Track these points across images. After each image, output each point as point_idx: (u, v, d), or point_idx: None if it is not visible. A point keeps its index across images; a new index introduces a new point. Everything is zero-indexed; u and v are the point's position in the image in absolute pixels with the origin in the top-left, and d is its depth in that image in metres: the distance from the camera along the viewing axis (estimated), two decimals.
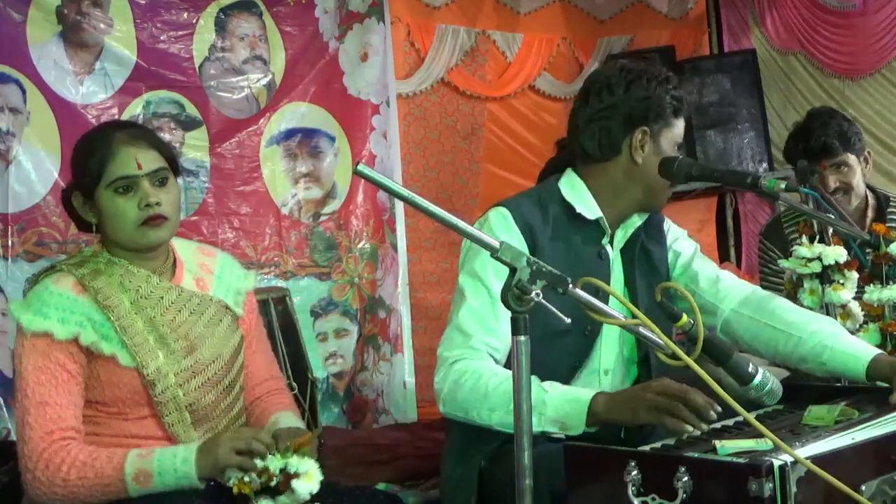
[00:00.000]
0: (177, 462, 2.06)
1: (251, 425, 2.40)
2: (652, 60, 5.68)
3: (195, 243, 2.48)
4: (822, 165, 3.37)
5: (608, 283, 2.35)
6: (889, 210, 3.48)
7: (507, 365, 2.27)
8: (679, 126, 2.42)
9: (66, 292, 2.17)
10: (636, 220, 2.45)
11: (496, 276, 2.26)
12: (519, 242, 2.30)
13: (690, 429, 1.93)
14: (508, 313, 2.24)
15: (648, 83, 2.38)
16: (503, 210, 2.35)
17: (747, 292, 2.48)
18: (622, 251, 2.45)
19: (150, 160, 2.23)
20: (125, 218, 2.20)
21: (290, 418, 2.36)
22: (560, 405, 2.10)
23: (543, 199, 2.41)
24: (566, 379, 2.30)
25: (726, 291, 2.48)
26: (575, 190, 2.41)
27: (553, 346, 2.25)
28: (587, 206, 2.39)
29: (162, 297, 2.25)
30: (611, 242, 2.44)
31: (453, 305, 2.34)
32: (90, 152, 2.22)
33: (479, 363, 2.22)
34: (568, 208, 2.39)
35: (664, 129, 2.39)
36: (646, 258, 2.48)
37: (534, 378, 2.13)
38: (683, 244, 2.57)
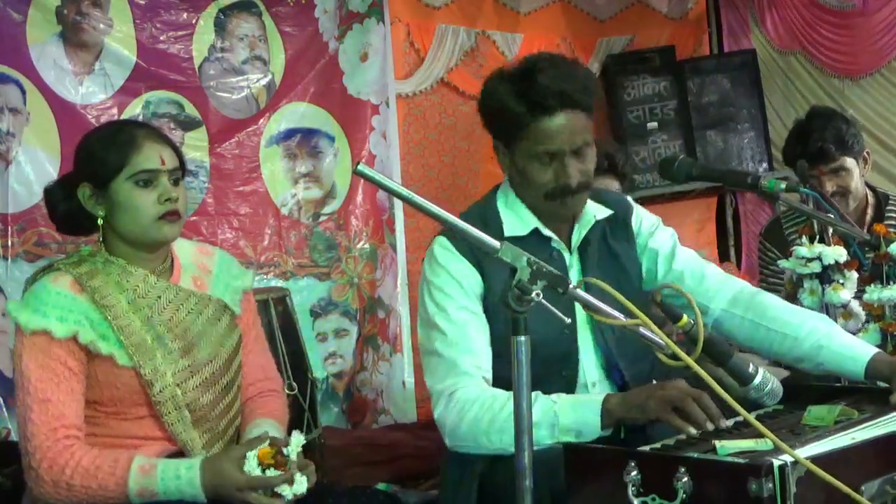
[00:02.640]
0: (181, 484, 2.06)
1: (242, 427, 2.39)
2: (652, 60, 5.72)
3: (194, 242, 2.48)
4: (819, 170, 3.35)
5: None
6: (888, 209, 3.47)
7: (497, 379, 2.26)
8: (529, 136, 2.29)
9: (64, 291, 2.17)
10: (589, 219, 2.39)
11: (453, 300, 2.28)
12: (468, 268, 2.30)
13: (693, 431, 1.93)
14: (478, 329, 2.27)
15: (485, 97, 2.37)
16: (443, 240, 2.36)
17: (735, 290, 2.44)
18: (581, 251, 2.40)
19: (170, 158, 2.25)
20: (143, 210, 2.20)
21: (269, 426, 2.33)
22: (572, 413, 2.09)
23: (486, 218, 2.37)
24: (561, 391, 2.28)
25: (715, 290, 2.43)
26: (508, 204, 2.39)
27: (539, 351, 2.24)
28: (520, 221, 2.35)
29: (159, 297, 2.25)
30: (569, 243, 2.39)
31: (427, 337, 2.32)
32: (111, 143, 2.21)
33: (476, 390, 2.21)
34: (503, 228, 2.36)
35: (511, 144, 2.34)
36: (609, 256, 2.42)
37: (538, 393, 2.13)
38: (660, 239, 2.48)
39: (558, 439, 2.08)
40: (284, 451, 2.07)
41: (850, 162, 3.36)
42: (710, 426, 1.94)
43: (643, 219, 2.52)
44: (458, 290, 2.31)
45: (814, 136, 3.34)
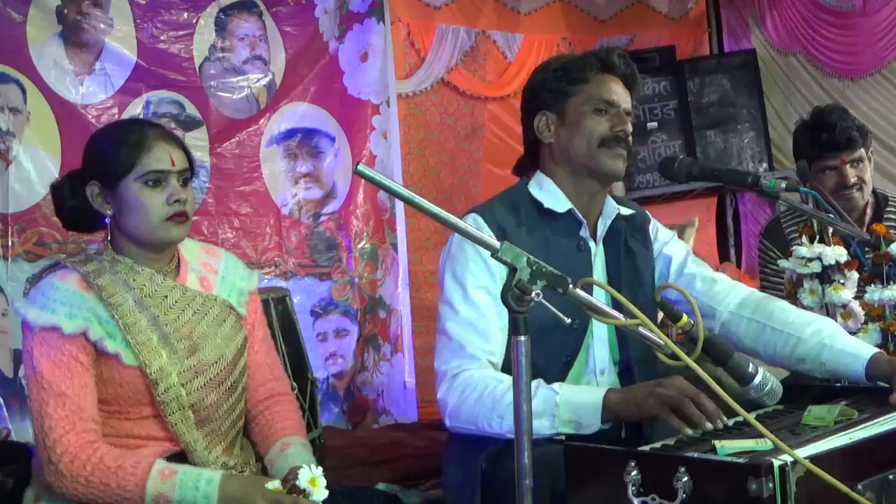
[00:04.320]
0: (198, 496, 2.05)
1: (255, 432, 2.39)
2: (652, 60, 5.72)
3: (200, 243, 2.47)
4: (841, 160, 3.37)
5: (590, 274, 2.37)
6: (888, 209, 3.49)
7: (506, 365, 2.28)
8: (591, 85, 2.40)
9: (72, 288, 2.16)
10: (612, 210, 2.45)
11: (475, 279, 2.30)
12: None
13: (689, 431, 1.93)
14: (494, 311, 2.27)
15: (536, 73, 2.49)
16: (475, 216, 2.37)
17: (745, 294, 2.47)
18: (605, 243, 2.45)
19: (180, 159, 2.24)
20: (152, 211, 2.19)
21: (298, 451, 2.32)
22: (573, 405, 2.10)
23: (515, 201, 2.42)
24: (559, 375, 2.30)
25: (724, 294, 2.46)
26: (543, 187, 2.43)
27: (543, 343, 2.24)
28: (556, 199, 2.40)
29: (166, 297, 2.25)
30: (594, 235, 2.43)
31: (441, 315, 2.34)
32: (121, 143, 2.20)
33: (480, 373, 2.22)
34: (538, 206, 2.40)
35: (565, 100, 2.41)
36: (629, 256, 2.47)
37: (541, 381, 2.14)
38: (674, 247, 2.55)
39: (558, 430, 2.09)
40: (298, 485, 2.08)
41: (865, 154, 3.41)
42: (708, 426, 1.93)
43: (659, 229, 2.58)
44: (481, 268, 2.31)
45: (840, 125, 3.37)
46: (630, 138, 2.40)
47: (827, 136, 3.37)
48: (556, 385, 2.14)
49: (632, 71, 2.45)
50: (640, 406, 2.04)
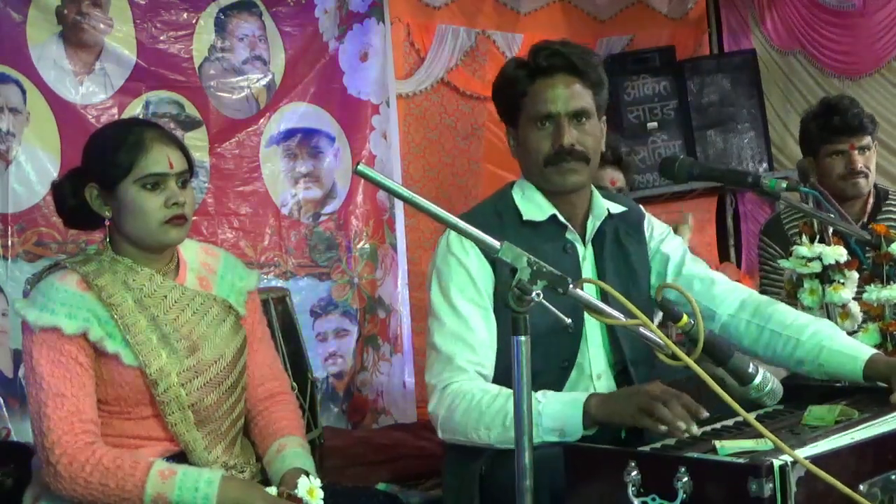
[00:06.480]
0: (197, 497, 2.06)
1: (254, 432, 2.40)
2: (652, 60, 5.72)
3: (198, 243, 2.48)
4: (850, 145, 3.40)
5: (579, 276, 2.34)
6: (888, 202, 3.51)
7: (497, 374, 2.27)
8: (529, 98, 2.35)
9: (72, 289, 2.17)
10: (602, 209, 2.42)
11: (461, 291, 2.30)
12: (480, 260, 2.30)
13: (664, 429, 1.92)
14: (481, 323, 2.28)
15: (492, 88, 2.44)
16: None
17: (744, 296, 2.45)
18: (595, 244, 2.42)
19: (179, 160, 2.24)
20: (150, 214, 2.20)
21: (296, 451, 2.32)
22: (555, 412, 2.09)
23: (499, 207, 2.42)
24: (558, 381, 2.29)
25: (723, 296, 2.45)
26: (525, 194, 2.41)
27: (539, 349, 2.24)
28: (537, 207, 2.38)
29: (165, 297, 2.25)
30: (583, 235, 2.41)
31: (429, 329, 2.35)
32: (119, 145, 2.20)
33: (469, 384, 2.22)
34: (519, 215, 2.38)
35: (517, 116, 2.39)
36: (621, 254, 2.44)
37: None
38: (671, 245, 2.52)
39: (542, 439, 2.07)
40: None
41: (872, 143, 3.45)
42: (681, 425, 1.91)
43: (655, 226, 2.55)
44: (466, 280, 2.31)
45: (851, 110, 3.42)
46: (578, 144, 2.32)
47: (839, 120, 3.43)
48: (539, 393, 2.12)
49: (566, 60, 2.34)
50: (622, 416, 2.02)
